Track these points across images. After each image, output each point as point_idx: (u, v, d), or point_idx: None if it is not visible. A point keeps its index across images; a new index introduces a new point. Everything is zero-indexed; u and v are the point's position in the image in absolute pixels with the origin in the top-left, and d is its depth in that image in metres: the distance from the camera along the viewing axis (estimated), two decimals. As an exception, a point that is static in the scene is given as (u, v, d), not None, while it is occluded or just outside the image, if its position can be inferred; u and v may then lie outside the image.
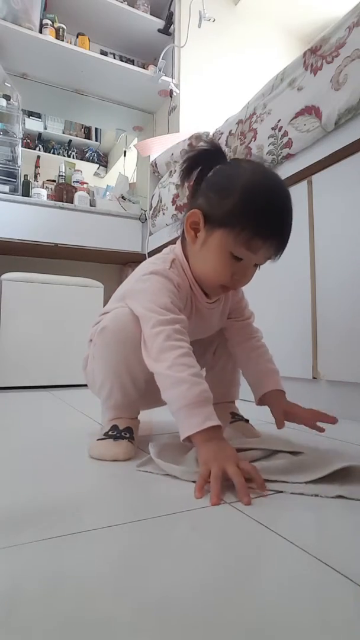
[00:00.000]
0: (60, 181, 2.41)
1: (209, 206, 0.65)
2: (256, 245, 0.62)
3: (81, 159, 3.22)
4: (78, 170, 2.52)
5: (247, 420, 0.85)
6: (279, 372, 0.79)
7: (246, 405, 0.90)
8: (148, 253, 2.16)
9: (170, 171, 2.04)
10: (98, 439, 0.71)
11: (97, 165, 3.33)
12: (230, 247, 0.64)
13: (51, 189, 2.26)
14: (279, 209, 0.63)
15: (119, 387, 0.71)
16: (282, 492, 0.51)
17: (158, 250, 1.19)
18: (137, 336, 0.66)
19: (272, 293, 1.25)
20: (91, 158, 3.29)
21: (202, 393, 0.57)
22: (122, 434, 0.71)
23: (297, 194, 1.21)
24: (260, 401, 0.78)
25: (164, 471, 0.59)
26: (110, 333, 0.70)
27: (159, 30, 2.36)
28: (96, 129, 3.25)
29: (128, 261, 2.43)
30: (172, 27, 2.37)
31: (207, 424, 0.55)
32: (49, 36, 2.11)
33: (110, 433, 0.71)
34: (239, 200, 0.62)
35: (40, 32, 2.11)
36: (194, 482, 0.54)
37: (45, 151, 3.07)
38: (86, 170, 2.88)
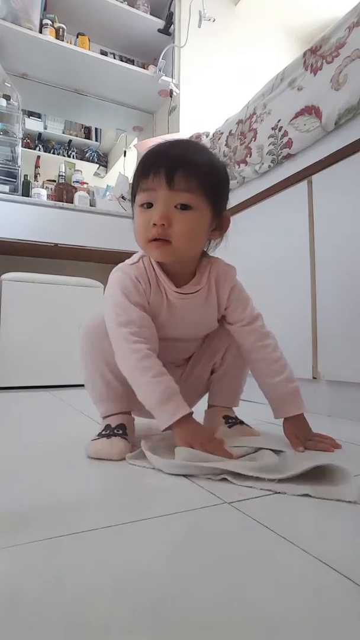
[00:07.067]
0: (60, 181, 2.41)
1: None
2: (145, 183, 0.66)
3: (81, 159, 3.22)
4: (78, 170, 2.51)
5: (241, 422, 0.81)
6: (298, 390, 0.75)
7: (245, 404, 0.90)
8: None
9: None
10: (92, 439, 0.72)
11: (97, 165, 3.33)
12: (137, 202, 0.68)
13: (51, 189, 2.26)
14: (157, 149, 0.68)
15: (99, 375, 0.75)
16: (251, 487, 0.53)
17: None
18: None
19: (272, 293, 1.24)
20: (91, 158, 3.29)
21: (165, 391, 0.64)
22: (115, 431, 0.72)
23: (297, 194, 1.21)
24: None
25: (152, 465, 0.61)
26: (85, 324, 0.77)
27: (159, 30, 2.36)
28: (96, 129, 3.25)
29: (128, 261, 2.43)
30: (172, 27, 2.36)
31: (176, 417, 0.62)
32: (49, 36, 2.11)
33: (103, 432, 0.72)
34: (135, 169, 0.70)
35: (40, 32, 2.11)
36: (182, 475, 0.57)
37: (45, 151, 3.06)
38: (86, 170, 2.87)
